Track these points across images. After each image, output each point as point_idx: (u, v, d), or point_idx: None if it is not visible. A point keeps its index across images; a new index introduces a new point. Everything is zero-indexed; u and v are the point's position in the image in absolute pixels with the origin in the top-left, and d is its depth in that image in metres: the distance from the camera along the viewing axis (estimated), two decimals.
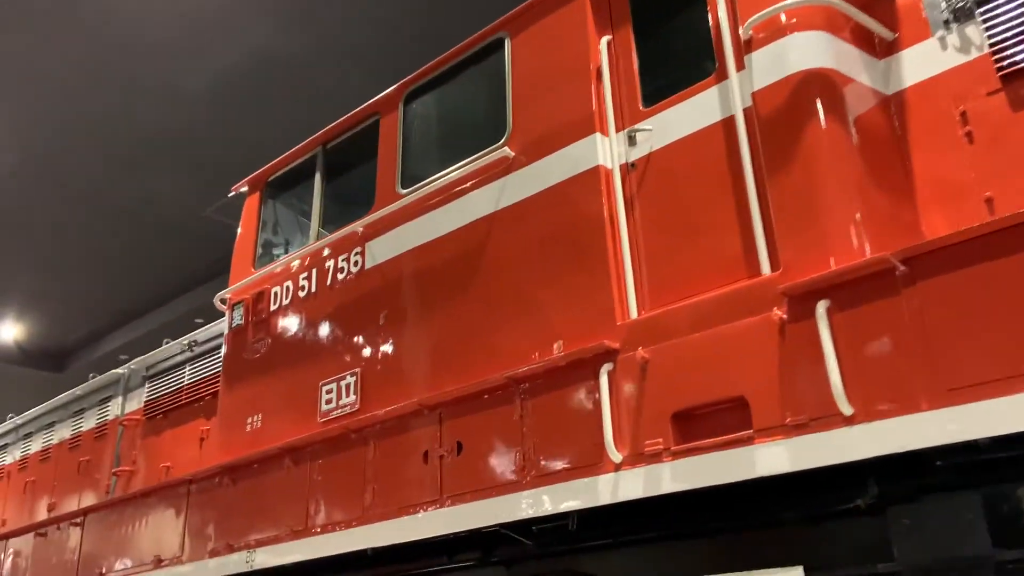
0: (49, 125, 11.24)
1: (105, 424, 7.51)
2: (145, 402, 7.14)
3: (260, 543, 4.83)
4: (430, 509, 4.03)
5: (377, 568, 4.49)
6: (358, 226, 5.00)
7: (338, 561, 4.46)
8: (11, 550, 7.42)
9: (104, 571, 6.03)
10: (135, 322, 17.61)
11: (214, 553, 5.10)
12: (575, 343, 3.69)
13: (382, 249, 4.86)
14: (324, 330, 5.05)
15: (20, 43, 9.95)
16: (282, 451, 4.88)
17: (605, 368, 3.50)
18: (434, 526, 3.99)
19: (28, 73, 10.33)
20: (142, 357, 7.52)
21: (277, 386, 5.21)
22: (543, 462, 3.64)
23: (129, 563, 5.78)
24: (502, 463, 3.81)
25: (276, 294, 5.47)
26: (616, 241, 3.75)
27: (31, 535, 7.15)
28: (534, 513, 3.60)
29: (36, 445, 8.50)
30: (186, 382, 6.75)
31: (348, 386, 4.72)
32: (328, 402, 4.81)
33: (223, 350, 5.83)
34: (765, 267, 3.24)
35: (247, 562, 4.85)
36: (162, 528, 5.61)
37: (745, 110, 3.45)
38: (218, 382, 6.32)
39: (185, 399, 6.68)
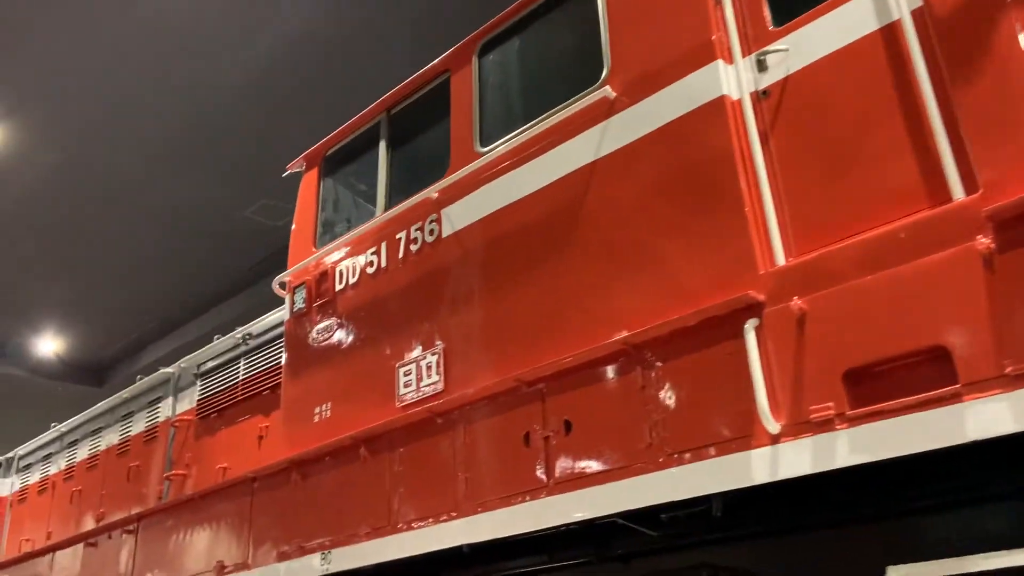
0: (86, 124, 10.96)
1: (155, 427, 7.10)
2: (197, 401, 6.71)
3: (336, 543, 4.35)
4: (536, 498, 3.52)
5: (474, 568, 3.99)
6: (432, 191, 4.53)
7: (427, 561, 3.97)
8: (59, 563, 7.03)
9: None
10: (175, 332, 17.32)
11: (284, 556, 4.63)
12: (705, 299, 3.17)
13: (461, 214, 4.38)
14: (398, 307, 4.57)
15: (55, 41, 9.68)
16: (356, 441, 4.40)
17: (750, 324, 2.97)
18: (541, 517, 3.48)
19: (64, 71, 10.05)
20: (192, 355, 7.10)
21: (347, 372, 4.74)
22: (675, 439, 3.12)
23: (189, 571, 5.32)
24: (623, 442, 3.29)
25: (341, 273, 5.01)
26: (750, 179, 3.23)
27: (80, 545, 6.75)
28: (668, 498, 3.07)
29: (82, 453, 8.12)
30: (241, 377, 6.31)
31: (429, 366, 4.24)
32: (407, 385, 4.32)
33: (284, 338, 5.39)
34: (957, 191, 2.69)
35: (323, 564, 4.37)
36: (224, 532, 5.16)
37: (913, 12, 2.92)
38: (277, 376, 5.90)
39: (241, 395, 6.24)
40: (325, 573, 4.35)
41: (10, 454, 9.51)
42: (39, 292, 15.38)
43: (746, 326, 2.98)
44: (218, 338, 6.91)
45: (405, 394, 4.31)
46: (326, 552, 4.39)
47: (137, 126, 11.08)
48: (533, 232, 3.98)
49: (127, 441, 7.42)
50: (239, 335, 6.53)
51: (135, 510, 6.63)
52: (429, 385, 4.20)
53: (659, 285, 3.38)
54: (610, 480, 3.27)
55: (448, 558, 3.92)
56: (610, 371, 3.41)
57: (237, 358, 6.46)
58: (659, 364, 3.26)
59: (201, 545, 5.34)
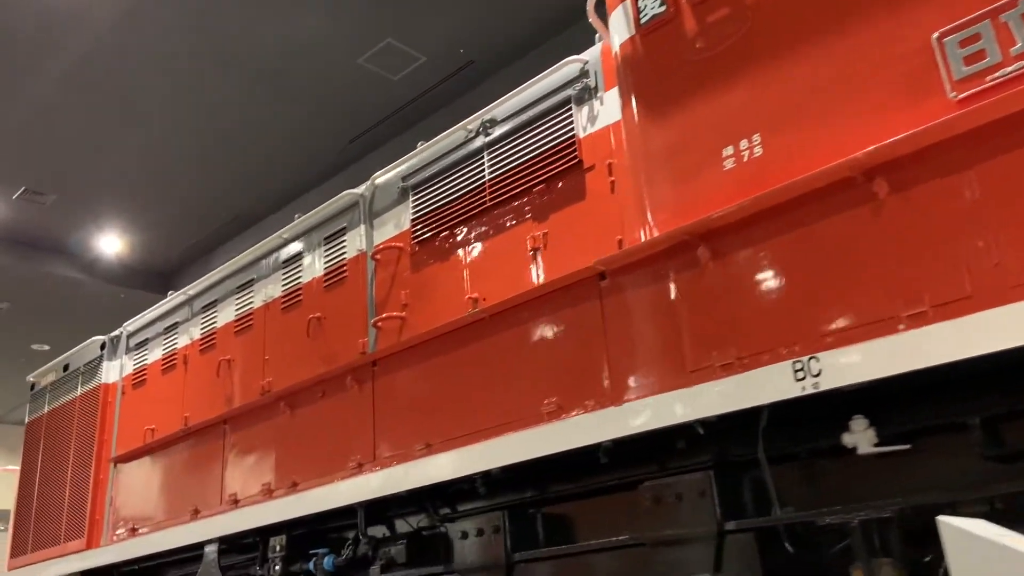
0: None
1: (343, 265, 5.32)
2: (411, 221, 4.91)
3: (822, 344, 2.57)
4: None
5: None
6: None
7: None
8: (237, 434, 5.38)
9: (427, 445, 3.87)
10: (251, 230, 15.45)
11: (700, 376, 2.86)
12: None
13: None
14: None
15: None
16: (857, 169, 2.59)
17: None
18: None
19: None
20: (388, 168, 5.28)
21: (790, 75, 2.90)
22: None
23: (496, 419, 3.58)
24: None
25: None
26: None
27: (279, 406, 5.07)
28: None
29: (225, 315, 6.39)
30: (488, 177, 4.49)
31: None
32: (972, 59, 2.47)
33: (622, 67, 3.54)
34: None
35: (800, 379, 2.60)
36: (554, 354, 3.40)
37: None
38: (554, 162, 4.11)
39: (490, 200, 4.43)
40: (810, 392, 2.59)
41: (115, 332, 7.81)
42: (100, 176, 13.44)
43: None
44: (422, 143, 5.09)
45: (972, 73, 2.47)
46: (802, 360, 2.61)
47: None
48: None
49: (297, 290, 5.66)
50: (472, 124, 4.70)
51: (324, 369, 4.94)
52: None
53: None
54: None
55: None
56: None
57: (476, 153, 4.63)
58: None
59: (507, 381, 3.59)
